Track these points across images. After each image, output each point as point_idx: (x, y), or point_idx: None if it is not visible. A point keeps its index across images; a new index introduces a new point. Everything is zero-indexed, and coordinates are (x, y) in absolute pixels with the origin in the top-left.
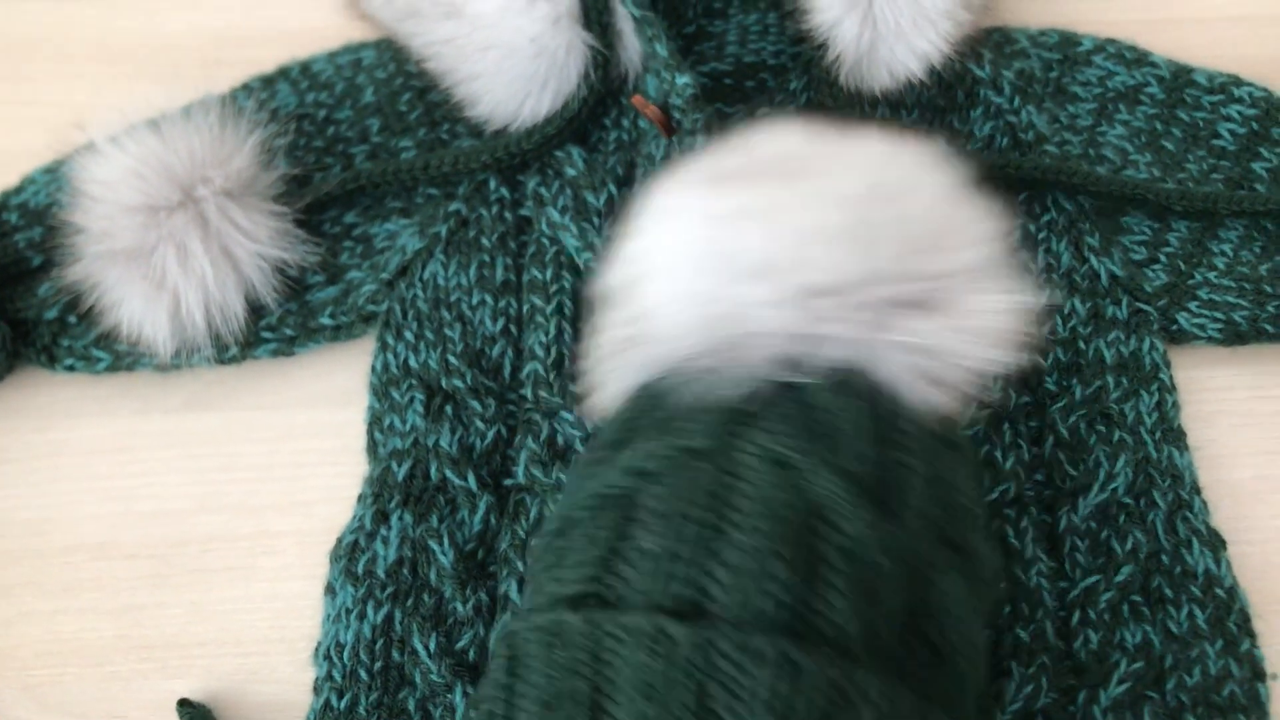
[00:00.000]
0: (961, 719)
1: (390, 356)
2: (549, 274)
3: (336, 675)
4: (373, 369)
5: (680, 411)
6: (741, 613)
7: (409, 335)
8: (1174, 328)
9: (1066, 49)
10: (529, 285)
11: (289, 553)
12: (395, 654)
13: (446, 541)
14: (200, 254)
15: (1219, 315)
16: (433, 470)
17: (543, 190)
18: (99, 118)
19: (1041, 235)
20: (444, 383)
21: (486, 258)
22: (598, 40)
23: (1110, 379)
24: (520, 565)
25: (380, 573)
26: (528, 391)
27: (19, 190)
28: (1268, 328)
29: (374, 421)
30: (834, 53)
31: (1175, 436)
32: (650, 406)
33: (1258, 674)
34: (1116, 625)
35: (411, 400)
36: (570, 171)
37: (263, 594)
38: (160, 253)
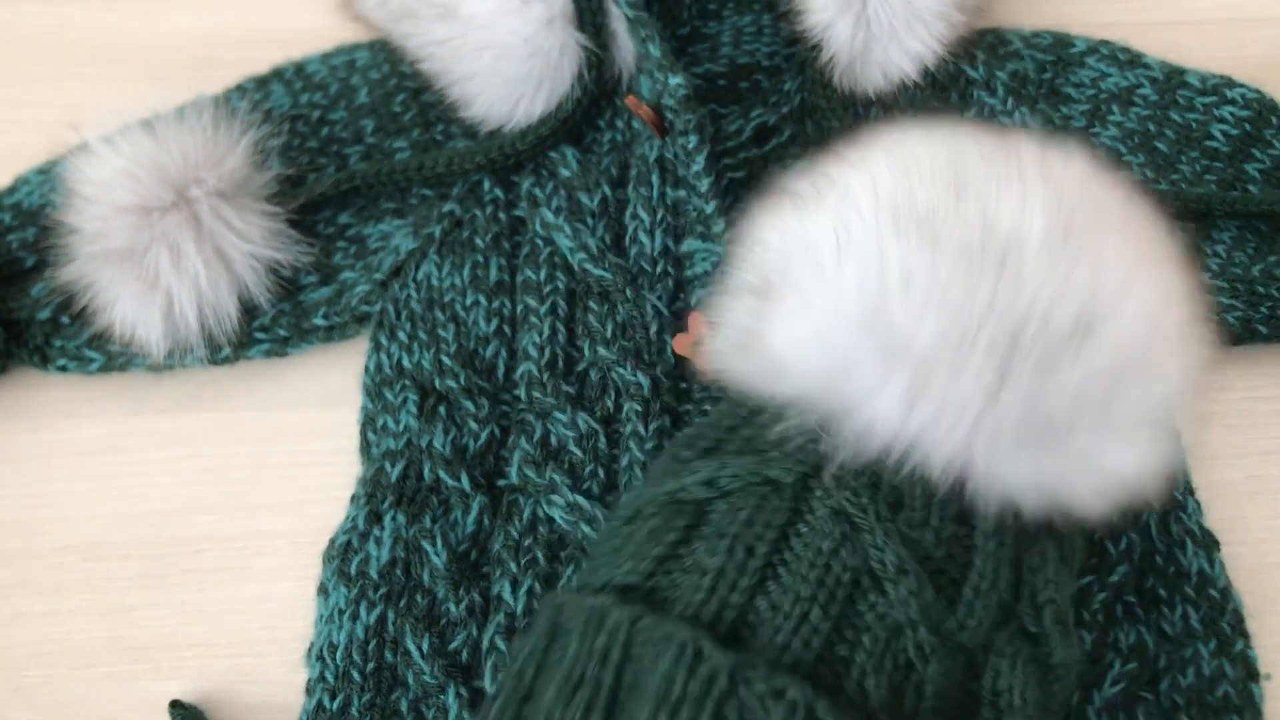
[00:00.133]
0: None
1: (384, 357)
2: (543, 274)
3: (329, 676)
4: (366, 369)
5: (771, 438)
6: (775, 652)
7: (402, 336)
8: None
9: (1060, 50)
10: (523, 286)
11: (282, 553)
12: (388, 655)
13: (439, 542)
14: (193, 254)
15: (1212, 317)
16: (426, 471)
17: (537, 191)
18: (92, 118)
19: None
20: (437, 383)
21: (480, 258)
22: (592, 41)
23: None
24: (513, 566)
25: (373, 573)
26: (521, 392)
27: (12, 190)
28: (1261, 329)
29: (367, 422)
30: (828, 54)
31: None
32: (746, 422)
33: (1251, 674)
34: (1110, 626)
35: (405, 401)
36: (564, 172)
37: (255, 595)
38: (153, 253)
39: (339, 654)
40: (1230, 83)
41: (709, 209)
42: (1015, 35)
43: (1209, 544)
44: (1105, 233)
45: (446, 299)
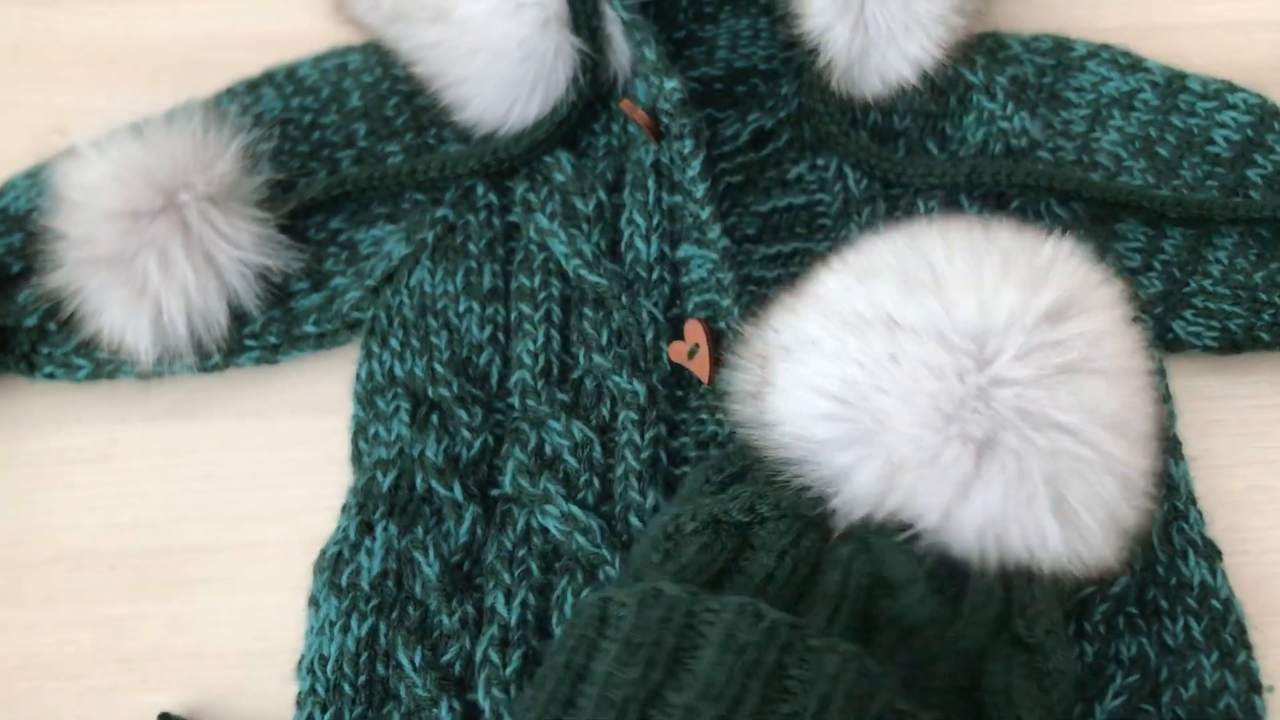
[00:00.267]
0: None
1: (375, 365)
2: (537, 281)
3: (320, 689)
4: (357, 377)
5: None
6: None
7: (394, 343)
8: (1169, 336)
9: (1060, 54)
10: (517, 292)
11: (272, 564)
12: (380, 667)
13: (432, 553)
14: (182, 260)
15: (1214, 323)
16: (418, 480)
17: (531, 196)
18: (81, 122)
19: None
20: (430, 391)
21: (474, 264)
22: (587, 44)
23: None
24: (507, 578)
25: (365, 585)
26: (515, 400)
27: None
28: (1263, 336)
29: (359, 431)
30: (825, 58)
31: (1171, 446)
32: (768, 454)
33: (1254, 686)
34: (1112, 638)
35: (397, 409)
36: (559, 177)
37: (245, 606)
38: (142, 259)
39: (330, 666)
40: (1232, 87)
41: (705, 214)
42: (1015, 39)
43: (1211, 554)
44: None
45: (439, 306)
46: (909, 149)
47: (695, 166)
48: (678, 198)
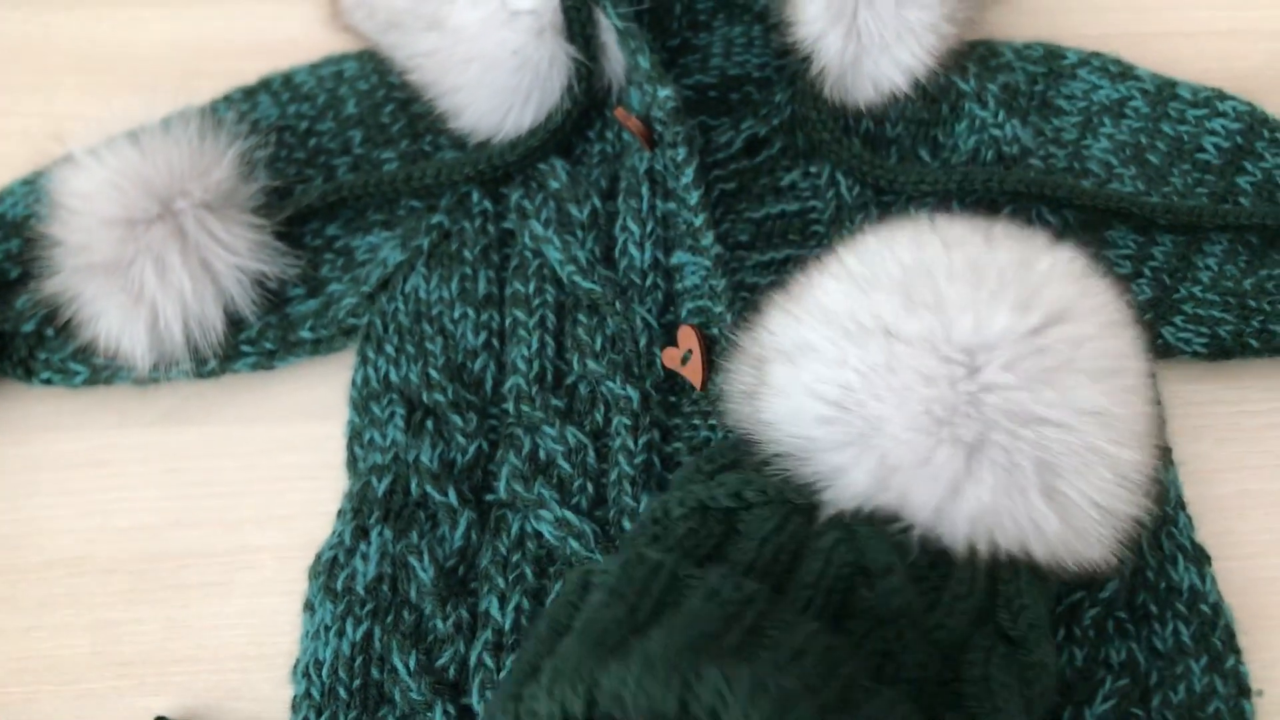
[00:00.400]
0: None
1: (371, 370)
2: (531, 287)
3: (315, 693)
4: (353, 383)
5: (778, 478)
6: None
7: (390, 349)
8: (1159, 342)
9: (1051, 62)
10: (511, 298)
11: (267, 568)
12: (374, 672)
13: (427, 558)
14: (179, 267)
15: (1204, 329)
16: (413, 485)
17: (526, 203)
18: (78, 129)
19: None
20: (425, 397)
21: (469, 271)
22: (581, 52)
23: None
24: (501, 582)
25: (360, 589)
26: (510, 406)
27: None
28: (1252, 342)
29: (354, 436)
30: (818, 66)
31: (1160, 452)
32: (755, 452)
33: (1243, 690)
34: (1101, 642)
35: (392, 415)
36: (553, 184)
37: (240, 610)
38: (138, 266)
39: (325, 670)
40: (1221, 95)
41: (698, 221)
42: (1007, 47)
43: (1200, 559)
44: (1078, 343)
45: (434, 312)
46: (901, 156)
47: (689, 174)
48: (671, 205)
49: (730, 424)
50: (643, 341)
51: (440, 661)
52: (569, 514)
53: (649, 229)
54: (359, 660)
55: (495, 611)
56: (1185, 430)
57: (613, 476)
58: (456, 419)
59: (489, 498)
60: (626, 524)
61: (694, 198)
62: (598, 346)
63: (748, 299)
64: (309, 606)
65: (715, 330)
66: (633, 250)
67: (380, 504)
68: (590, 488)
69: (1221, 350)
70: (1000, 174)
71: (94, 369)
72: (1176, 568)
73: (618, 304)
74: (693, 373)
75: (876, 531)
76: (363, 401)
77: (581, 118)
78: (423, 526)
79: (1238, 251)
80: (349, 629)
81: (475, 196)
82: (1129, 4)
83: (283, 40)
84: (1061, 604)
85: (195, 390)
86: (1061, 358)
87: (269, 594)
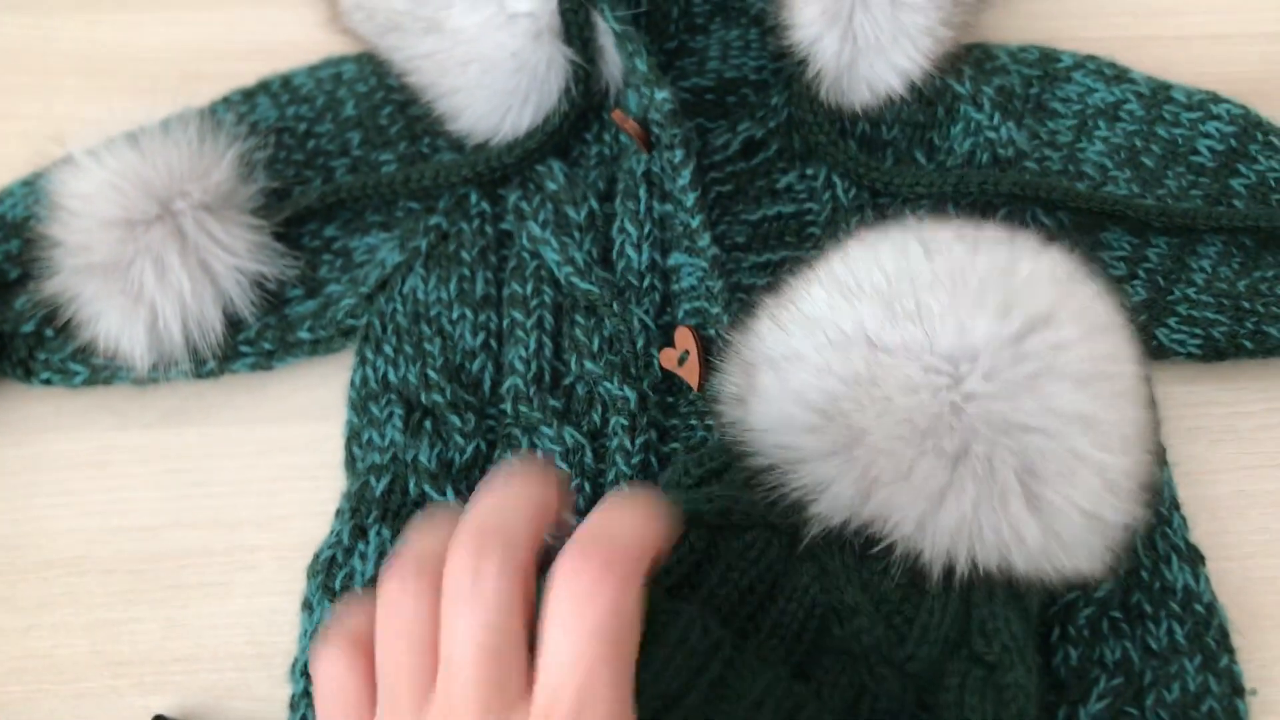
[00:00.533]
0: None
1: (369, 371)
2: (529, 288)
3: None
4: (351, 383)
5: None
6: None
7: (388, 349)
8: (1153, 344)
9: (1046, 65)
10: (509, 299)
11: (266, 568)
12: None
13: None
14: (178, 268)
15: (1198, 331)
16: (411, 485)
17: (523, 204)
18: (77, 131)
19: None
20: (423, 397)
21: (466, 272)
22: (579, 55)
23: None
24: None
25: (358, 589)
26: (508, 406)
27: None
28: (1246, 343)
29: (352, 436)
30: (815, 68)
31: (1155, 452)
32: (750, 460)
33: (1237, 690)
34: (1096, 641)
35: (390, 415)
36: (551, 186)
37: (239, 610)
38: (138, 267)
39: None
40: (1216, 98)
41: (695, 223)
42: (1002, 50)
43: (1194, 559)
44: (1062, 346)
45: (432, 313)
46: (897, 159)
47: (685, 176)
48: (668, 206)
49: (720, 429)
50: (640, 342)
51: None
52: (567, 514)
53: (646, 230)
54: None
55: None
56: (1180, 431)
57: (610, 476)
58: (454, 419)
59: None
60: None
61: (691, 199)
62: (595, 347)
63: (744, 300)
64: (307, 606)
65: (712, 331)
66: (630, 252)
67: (379, 504)
68: (588, 487)
69: (1216, 351)
70: (995, 176)
71: (93, 369)
72: (1171, 568)
73: (615, 305)
74: (690, 374)
75: (848, 565)
76: (361, 402)
77: (579, 120)
78: None
79: (1232, 253)
80: None
81: (473, 198)
82: (1124, 8)
83: (282, 43)
84: (1056, 604)
85: (194, 391)
86: (1042, 363)
87: (268, 593)
